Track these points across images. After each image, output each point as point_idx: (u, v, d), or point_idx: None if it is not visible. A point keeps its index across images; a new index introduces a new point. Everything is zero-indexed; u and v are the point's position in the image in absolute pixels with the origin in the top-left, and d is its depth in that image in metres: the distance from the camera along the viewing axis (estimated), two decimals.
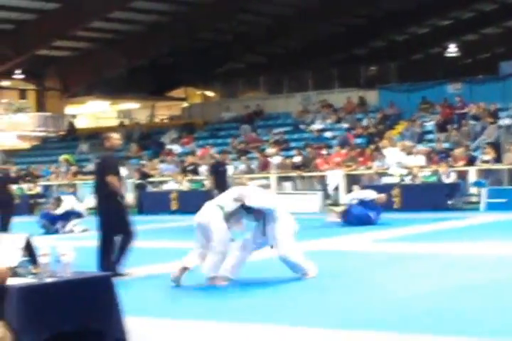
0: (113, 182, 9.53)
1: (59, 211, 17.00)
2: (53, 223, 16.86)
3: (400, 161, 21.21)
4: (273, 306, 7.31)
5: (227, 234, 8.50)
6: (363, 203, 15.79)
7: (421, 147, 22.87)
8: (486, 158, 20.88)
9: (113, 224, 9.48)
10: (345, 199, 17.10)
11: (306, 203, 20.61)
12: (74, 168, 28.18)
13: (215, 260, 8.44)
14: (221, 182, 16.25)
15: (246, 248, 8.68)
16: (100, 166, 9.97)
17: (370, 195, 16.08)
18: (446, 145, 22.92)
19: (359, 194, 16.44)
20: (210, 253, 8.45)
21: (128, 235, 9.53)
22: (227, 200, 8.65)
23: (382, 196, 16.11)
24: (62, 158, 29.90)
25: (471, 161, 21.02)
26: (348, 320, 6.47)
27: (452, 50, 34.69)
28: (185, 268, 8.53)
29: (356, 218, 15.56)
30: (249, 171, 24.31)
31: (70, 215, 17.18)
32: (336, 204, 17.81)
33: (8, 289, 4.47)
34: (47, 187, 27.37)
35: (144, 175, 24.91)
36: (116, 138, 10.21)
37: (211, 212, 8.55)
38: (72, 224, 17.04)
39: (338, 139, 25.91)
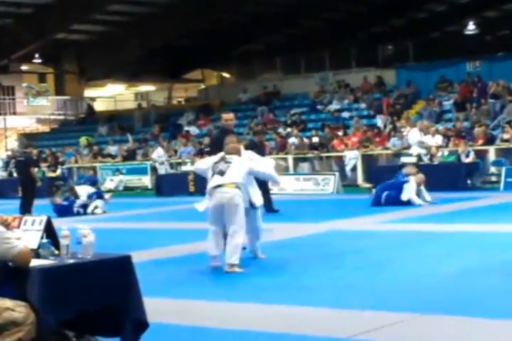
0: None
1: (79, 202, 17.05)
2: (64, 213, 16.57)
3: (421, 141, 21.07)
4: (281, 286, 7.39)
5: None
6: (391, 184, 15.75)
7: (440, 126, 22.78)
8: (506, 136, 20.74)
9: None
10: None
11: (323, 184, 20.68)
12: (96, 148, 28.39)
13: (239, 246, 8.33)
14: None
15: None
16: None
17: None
18: (465, 124, 22.80)
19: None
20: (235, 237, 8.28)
21: None
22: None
23: (420, 176, 15.87)
24: (82, 139, 30.15)
25: (490, 140, 20.90)
26: (364, 300, 6.52)
27: (471, 27, 34.32)
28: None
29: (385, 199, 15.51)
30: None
31: (91, 196, 17.31)
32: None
33: (30, 270, 4.56)
34: (68, 170, 27.57)
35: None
36: (226, 118, 10.25)
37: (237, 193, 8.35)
38: (94, 205, 17.16)
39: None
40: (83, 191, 17.43)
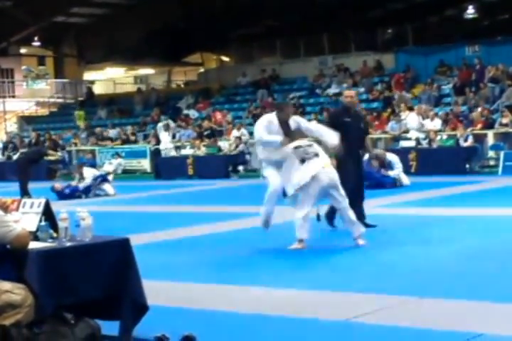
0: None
1: (82, 185, 17.11)
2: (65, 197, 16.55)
3: (420, 125, 21.05)
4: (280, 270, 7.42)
5: None
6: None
7: (439, 111, 22.77)
8: (505, 121, 20.74)
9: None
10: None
11: None
12: (98, 130, 28.36)
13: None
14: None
15: None
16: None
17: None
18: (463, 108, 22.80)
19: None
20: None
21: None
22: None
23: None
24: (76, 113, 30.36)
25: (490, 124, 20.89)
26: (363, 283, 6.57)
27: (470, 11, 34.19)
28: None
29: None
30: None
31: (97, 179, 17.34)
32: None
33: (29, 253, 4.58)
34: (68, 153, 27.58)
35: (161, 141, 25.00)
36: (346, 94, 10.06)
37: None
38: (106, 187, 17.23)
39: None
40: (89, 173, 17.46)
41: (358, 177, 9.81)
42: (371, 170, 15.42)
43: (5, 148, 28.55)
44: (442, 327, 5.00)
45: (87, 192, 16.96)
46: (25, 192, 15.69)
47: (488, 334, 4.80)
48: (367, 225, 9.43)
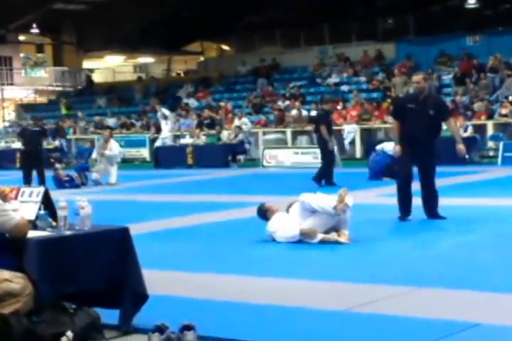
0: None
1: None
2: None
3: None
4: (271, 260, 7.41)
5: None
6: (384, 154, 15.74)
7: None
8: (504, 111, 20.72)
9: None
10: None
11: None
12: (98, 118, 28.34)
13: None
14: (330, 131, 14.91)
15: None
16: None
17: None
18: (464, 98, 22.76)
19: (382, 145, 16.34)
20: None
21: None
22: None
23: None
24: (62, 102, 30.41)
25: (490, 115, 20.87)
26: (361, 273, 6.57)
27: (472, 1, 34.10)
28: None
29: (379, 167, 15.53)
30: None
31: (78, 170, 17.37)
32: None
33: (28, 242, 4.57)
34: (67, 141, 27.53)
35: (160, 130, 24.96)
36: (414, 80, 9.67)
37: None
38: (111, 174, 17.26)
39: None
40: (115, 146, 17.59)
41: (427, 163, 9.88)
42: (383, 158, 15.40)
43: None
44: (440, 316, 4.99)
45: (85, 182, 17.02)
46: (43, 181, 15.56)
47: (484, 324, 4.80)
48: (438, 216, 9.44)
